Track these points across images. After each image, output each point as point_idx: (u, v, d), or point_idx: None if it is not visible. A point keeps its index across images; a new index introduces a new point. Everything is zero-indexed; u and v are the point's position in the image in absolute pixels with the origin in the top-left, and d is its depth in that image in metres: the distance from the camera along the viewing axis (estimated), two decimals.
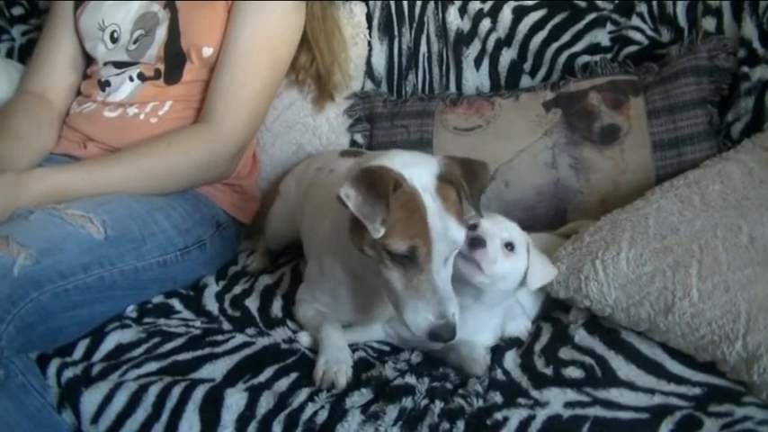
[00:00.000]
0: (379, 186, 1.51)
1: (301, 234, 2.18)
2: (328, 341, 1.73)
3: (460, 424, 1.48)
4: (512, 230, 1.71)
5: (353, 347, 1.76)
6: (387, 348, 1.81)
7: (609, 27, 2.43)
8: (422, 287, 1.54)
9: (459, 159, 1.62)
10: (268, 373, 1.69)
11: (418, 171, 1.56)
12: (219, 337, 1.83)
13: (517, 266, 1.69)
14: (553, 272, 1.74)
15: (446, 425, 1.48)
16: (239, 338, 1.83)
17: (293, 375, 1.67)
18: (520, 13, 2.48)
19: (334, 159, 2.26)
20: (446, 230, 1.53)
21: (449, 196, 1.56)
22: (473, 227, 1.66)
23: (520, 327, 1.81)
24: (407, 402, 1.54)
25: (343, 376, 1.62)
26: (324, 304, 1.87)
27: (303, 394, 1.60)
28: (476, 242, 1.64)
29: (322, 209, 1.95)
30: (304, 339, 1.82)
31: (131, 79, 2.27)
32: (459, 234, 1.55)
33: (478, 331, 1.75)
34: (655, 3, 2.37)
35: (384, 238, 1.52)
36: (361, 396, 1.58)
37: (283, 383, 1.65)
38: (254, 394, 1.60)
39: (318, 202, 2.03)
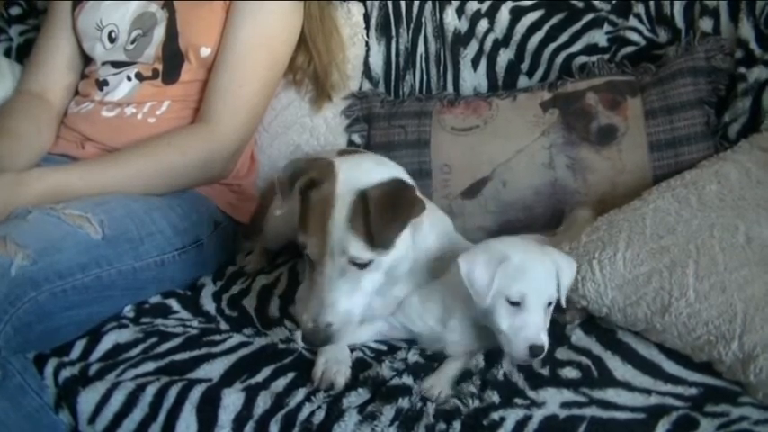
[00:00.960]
0: (296, 177, 1.59)
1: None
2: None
3: (457, 424, 1.48)
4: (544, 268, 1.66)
5: (351, 347, 1.76)
6: (384, 348, 1.80)
7: (606, 28, 2.42)
8: (311, 285, 1.59)
9: (395, 189, 1.61)
10: (265, 372, 1.68)
11: (353, 178, 1.59)
12: (217, 337, 1.83)
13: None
14: (572, 263, 1.73)
15: (442, 425, 1.48)
16: (236, 338, 1.83)
17: (290, 375, 1.67)
18: (517, 13, 2.48)
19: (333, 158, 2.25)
20: (343, 242, 1.55)
21: (361, 213, 1.56)
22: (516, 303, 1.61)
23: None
24: (404, 403, 1.54)
25: (342, 377, 1.62)
26: None
27: (300, 394, 1.60)
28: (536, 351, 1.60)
29: None
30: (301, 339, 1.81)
31: (129, 79, 2.28)
32: (357, 248, 1.56)
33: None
34: (652, 3, 2.37)
35: (298, 229, 1.61)
36: (359, 396, 1.58)
37: (280, 383, 1.64)
38: (252, 394, 1.60)
39: None
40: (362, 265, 1.57)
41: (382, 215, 1.55)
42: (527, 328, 1.57)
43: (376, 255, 1.57)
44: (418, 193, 1.65)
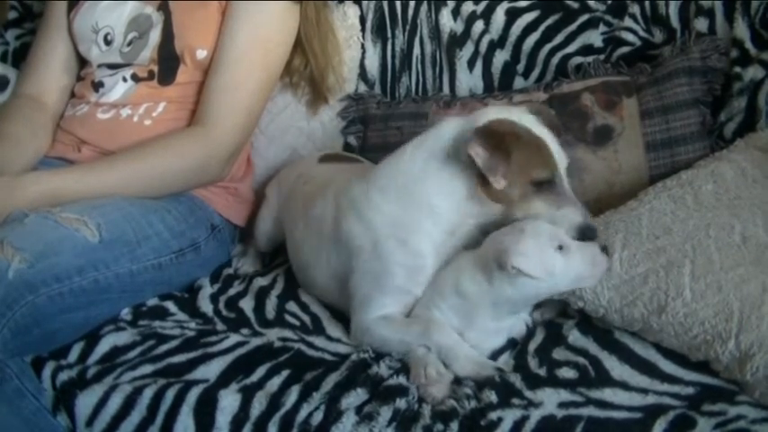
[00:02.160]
0: (503, 140, 1.67)
1: (287, 243, 2.21)
2: (448, 338, 1.71)
3: (454, 425, 1.48)
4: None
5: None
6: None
7: (602, 28, 2.43)
8: (562, 200, 1.74)
9: (539, 106, 1.94)
10: (260, 372, 1.69)
11: (519, 114, 1.78)
12: (214, 338, 1.83)
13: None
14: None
15: (440, 426, 1.48)
16: (233, 338, 1.83)
17: (284, 374, 1.67)
18: (513, 14, 2.48)
19: (313, 166, 2.28)
20: (561, 152, 1.77)
21: (551, 119, 1.85)
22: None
23: (520, 325, 1.80)
24: (401, 403, 1.54)
25: (441, 392, 1.59)
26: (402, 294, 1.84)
27: (294, 393, 1.60)
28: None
29: (318, 233, 1.99)
30: (425, 357, 1.69)
31: (125, 80, 2.28)
32: (564, 156, 1.78)
33: (489, 335, 1.76)
34: (647, 4, 2.37)
35: (530, 169, 1.70)
36: (357, 397, 1.57)
37: (275, 382, 1.65)
38: (248, 395, 1.60)
39: (309, 211, 2.05)
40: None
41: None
42: (581, 245, 1.68)
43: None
44: None
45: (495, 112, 1.78)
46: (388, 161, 1.89)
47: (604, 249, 1.67)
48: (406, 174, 1.81)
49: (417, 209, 1.78)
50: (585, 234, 1.69)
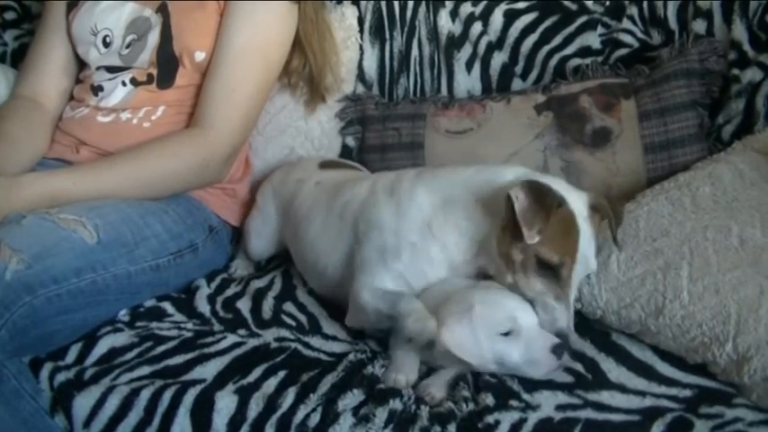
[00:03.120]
0: (546, 199, 1.62)
1: (292, 246, 2.22)
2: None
3: (451, 428, 1.48)
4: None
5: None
6: (379, 348, 1.80)
7: (600, 30, 2.43)
8: (560, 298, 1.64)
9: (606, 198, 1.76)
10: (257, 373, 1.69)
11: (576, 197, 1.69)
12: (211, 339, 1.83)
13: None
14: None
15: (437, 428, 1.48)
16: (230, 339, 1.83)
17: (281, 374, 1.67)
18: (511, 16, 2.49)
19: (315, 171, 2.28)
20: (589, 256, 1.66)
21: (595, 226, 1.70)
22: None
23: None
24: (397, 404, 1.54)
25: (438, 391, 1.60)
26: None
27: (291, 395, 1.60)
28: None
29: (340, 216, 2.00)
30: (397, 379, 1.66)
31: (124, 84, 2.27)
32: (594, 263, 1.68)
33: None
34: (645, 5, 2.38)
35: (539, 245, 1.62)
36: (354, 398, 1.57)
37: (272, 383, 1.65)
38: (244, 396, 1.60)
39: (327, 211, 2.06)
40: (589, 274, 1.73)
41: (618, 217, 1.77)
42: (536, 338, 1.60)
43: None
44: None
45: (560, 188, 1.71)
46: (448, 169, 1.92)
47: (556, 350, 1.59)
48: (451, 189, 1.82)
49: (440, 226, 1.80)
50: (556, 350, 1.59)
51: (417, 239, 1.80)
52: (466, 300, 1.64)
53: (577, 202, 1.68)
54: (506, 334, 1.59)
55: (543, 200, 1.61)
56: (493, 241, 1.71)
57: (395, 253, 1.81)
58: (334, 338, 1.86)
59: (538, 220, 1.59)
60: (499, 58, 2.52)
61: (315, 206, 2.11)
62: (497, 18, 2.49)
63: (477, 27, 2.50)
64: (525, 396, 1.56)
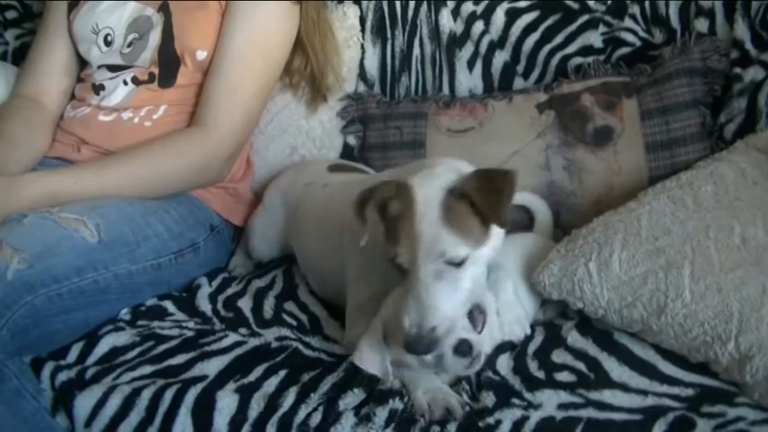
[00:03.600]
0: (365, 203, 1.59)
1: (297, 249, 2.22)
2: (413, 371, 1.65)
3: (452, 427, 1.48)
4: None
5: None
6: None
7: (601, 29, 2.43)
8: (409, 294, 1.54)
9: (480, 171, 1.61)
10: (258, 372, 1.69)
11: (429, 182, 1.58)
12: (212, 338, 1.84)
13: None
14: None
15: (437, 427, 1.48)
16: (232, 338, 1.84)
17: (282, 374, 1.68)
18: (512, 15, 2.49)
19: (324, 174, 2.28)
20: (435, 243, 1.52)
21: (457, 211, 1.55)
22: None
23: (518, 331, 1.79)
24: (396, 404, 1.54)
25: (455, 399, 1.55)
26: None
27: (292, 395, 1.60)
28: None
29: (334, 220, 1.98)
30: (395, 382, 1.65)
31: (125, 83, 2.27)
32: (453, 248, 1.53)
33: None
34: (647, 4, 2.38)
35: (386, 244, 1.57)
36: (354, 397, 1.58)
37: (272, 383, 1.65)
38: (246, 396, 1.60)
39: (324, 217, 2.06)
40: (459, 264, 1.54)
41: (488, 195, 1.55)
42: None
43: (471, 249, 1.55)
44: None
45: (418, 178, 1.61)
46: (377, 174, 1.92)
47: (458, 349, 1.55)
48: None
49: None
50: (406, 342, 1.52)
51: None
52: (378, 315, 1.65)
53: (426, 188, 1.56)
54: None
55: (363, 204, 1.60)
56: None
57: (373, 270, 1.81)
58: (336, 341, 1.86)
59: (361, 224, 1.59)
60: (501, 57, 2.52)
61: (317, 210, 2.12)
62: (499, 17, 2.49)
63: (478, 26, 2.50)
64: (527, 395, 1.56)
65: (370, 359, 1.60)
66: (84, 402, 1.66)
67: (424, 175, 1.61)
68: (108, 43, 2.30)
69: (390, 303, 1.65)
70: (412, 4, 2.57)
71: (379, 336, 1.60)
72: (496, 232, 1.62)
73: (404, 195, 1.56)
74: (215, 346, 1.79)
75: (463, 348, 1.55)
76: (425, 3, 2.55)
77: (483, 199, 1.54)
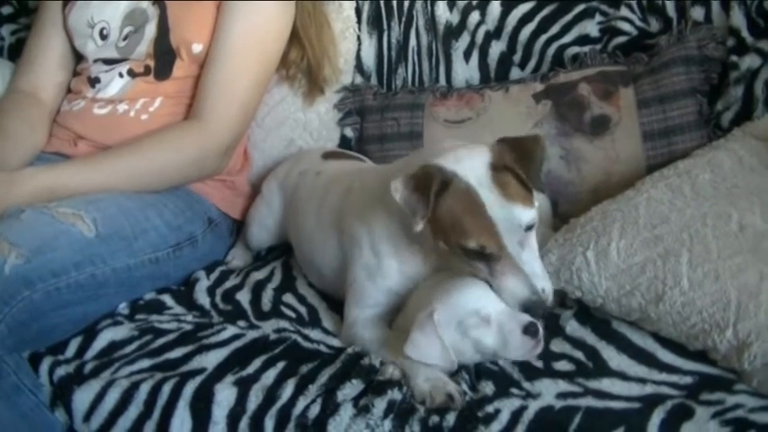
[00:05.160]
0: (425, 185, 1.56)
1: (293, 238, 2.22)
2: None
3: (450, 417, 1.48)
4: None
5: None
6: None
7: (598, 18, 2.42)
8: (506, 271, 1.57)
9: (511, 141, 1.63)
10: (256, 364, 1.69)
11: (471, 165, 1.59)
12: (210, 331, 1.83)
13: None
14: None
15: (436, 418, 1.48)
16: (230, 330, 1.84)
17: (280, 366, 1.67)
18: (509, 5, 2.48)
19: (318, 162, 2.28)
20: (511, 218, 1.55)
21: (507, 182, 1.58)
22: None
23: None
24: (395, 394, 1.54)
25: (453, 387, 1.56)
26: (380, 305, 1.84)
27: (290, 386, 1.60)
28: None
29: (330, 210, 1.99)
30: (393, 372, 1.65)
31: (121, 75, 2.27)
32: (526, 215, 1.56)
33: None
34: None
35: (453, 237, 1.57)
36: (353, 388, 1.57)
37: (270, 375, 1.65)
38: (244, 388, 1.60)
39: (319, 205, 2.06)
40: (530, 227, 1.59)
41: (526, 164, 1.60)
42: (505, 322, 1.58)
43: (535, 206, 1.59)
44: None
45: (452, 161, 1.62)
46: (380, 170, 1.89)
47: (528, 330, 1.57)
48: (381, 191, 1.73)
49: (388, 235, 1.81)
50: (528, 308, 1.56)
51: (389, 250, 1.81)
52: (427, 304, 1.64)
53: (474, 171, 1.58)
54: (476, 324, 1.58)
55: (424, 184, 1.57)
56: (428, 238, 1.68)
57: (378, 270, 1.82)
58: (334, 334, 1.86)
59: (420, 208, 1.56)
60: (497, 47, 2.51)
61: (311, 199, 2.11)
62: (495, 7, 2.49)
63: (474, 16, 2.50)
64: (526, 384, 1.56)
65: (427, 350, 1.60)
66: (82, 397, 1.65)
67: (458, 157, 1.61)
68: (103, 37, 2.30)
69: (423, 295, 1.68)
70: None
71: (434, 326, 1.59)
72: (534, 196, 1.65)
73: (458, 181, 1.57)
74: (213, 339, 1.79)
75: (533, 329, 1.56)
76: None
77: (524, 167, 1.59)
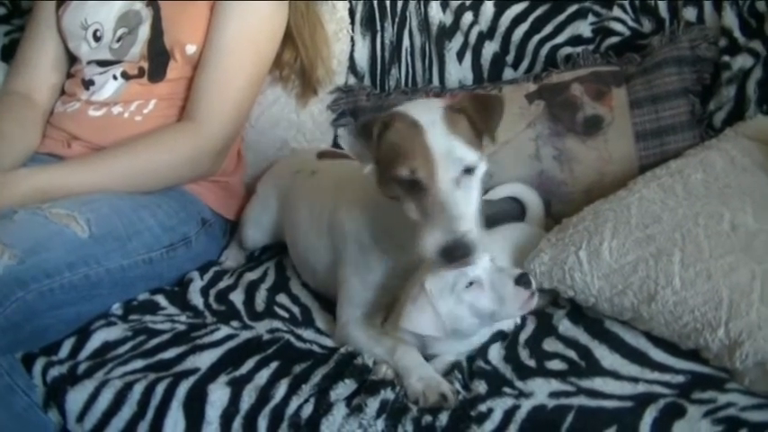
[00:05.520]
0: (368, 128, 1.60)
1: (288, 238, 2.21)
2: (410, 360, 1.65)
3: (443, 416, 1.48)
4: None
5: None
6: None
7: (590, 18, 2.43)
8: (431, 208, 1.54)
9: (473, 93, 1.69)
10: (249, 364, 1.69)
11: (426, 106, 1.65)
12: (204, 331, 1.83)
13: None
14: None
15: (429, 417, 1.48)
16: (224, 330, 1.84)
17: (273, 366, 1.68)
18: (502, 5, 2.49)
19: (313, 161, 2.28)
20: (451, 150, 1.54)
21: (457, 122, 1.59)
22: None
23: (509, 320, 1.79)
24: (388, 394, 1.54)
25: (447, 386, 1.55)
26: (370, 303, 1.84)
27: (283, 386, 1.60)
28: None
29: (323, 207, 1.99)
30: (386, 372, 1.65)
31: (115, 78, 2.27)
32: (467, 154, 1.56)
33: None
34: None
35: (390, 168, 1.57)
36: (346, 387, 1.58)
37: (264, 375, 1.65)
38: (237, 388, 1.60)
39: (313, 204, 2.06)
40: (471, 171, 1.57)
41: (484, 112, 1.63)
42: (497, 279, 1.60)
43: (479, 157, 1.59)
44: None
45: (409, 103, 1.70)
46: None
47: (520, 281, 1.59)
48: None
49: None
50: (447, 252, 1.52)
51: (373, 243, 1.83)
52: (416, 279, 1.64)
53: (426, 111, 1.61)
54: (468, 287, 1.59)
55: (369, 126, 1.61)
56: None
57: (365, 265, 1.83)
58: (328, 336, 1.86)
59: (367, 148, 1.60)
60: (490, 48, 2.51)
61: (305, 198, 2.12)
62: (488, 8, 2.49)
63: (467, 17, 2.50)
64: (518, 384, 1.56)
65: (421, 320, 1.61)
66: (75, 397, 1.65)
67: (417, 103, 1.68)
68: (97, 38, 2.30)
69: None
70: None
71: (426, 296, 1.59)
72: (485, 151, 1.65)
73: (404, 118, 1.60)
74: (207, 340, 1.79)
75: (525, 280, 1.58)
76: None
77: (479, 114, 1.62)
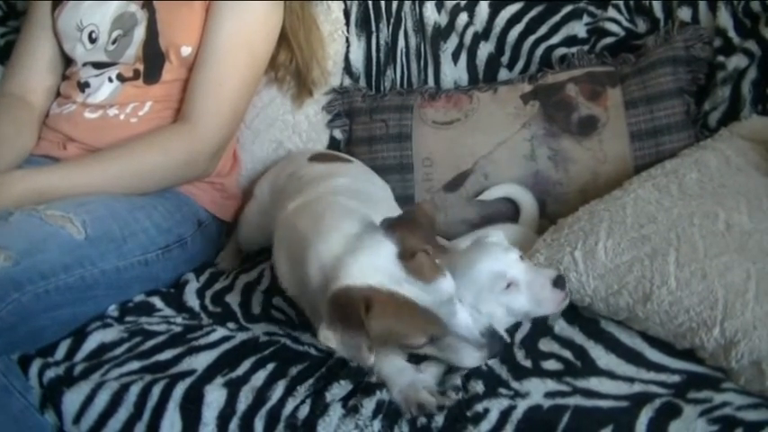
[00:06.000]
0: (351, 320, 1.45)
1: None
2: (390, 367, 1.62)
3: (439, 417, 1.49)
4: None
5: None
6: None
7: (585, 19, 2.43)
8: (454, 345, 1.53)
9: (403, 222, 1.57)
10: (245, 366, 1.69)
11: (381, 267, 1.50)
12: (200, 333, 1.84)
13: None
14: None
15: (424, 418, 1.49)
16: (220, 332, 1.84)
17: (270, 367, 1.68)
18: (497, 6, 2.48)
19: (304, 164, 2.26)
20: (440, 295, 1.49)
21: (420, 264, 1.51)
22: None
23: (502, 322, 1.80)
24: (384, 395, 1.55)
25: (425, 394, 1.54)
26: None
27: (280, 388, 1.60)
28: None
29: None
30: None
31: (111, 80, 2.27)
32: (447, 284, 1.51)
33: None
34: None
35: (403, 340, 1.52)
36: (341, 388, 1.58)
37: (260, 376, 1.65)
38: (234, 390, 1.61)
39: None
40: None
41: (426, 234, 1.57)
42: (534, 279, 1.66)
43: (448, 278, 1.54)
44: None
45: (353, 270, 1.51)
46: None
47: (557, 283, 1.65)
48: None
49: None
50: (491, 351, 1.54)
51: None
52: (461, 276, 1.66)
53: (386, 273, 1.49)
54: (506, 289, 1.64)
55: (350, 319, 1.45)
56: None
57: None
58: None
59: (361, 343, 1.45)
60: (485, 49, 2.51)
61: (291, 201, 2.08)
62: (483, 8, 2.49)
63: (462, 18, 2.50)
64: (514, 384, 1.57)
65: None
66: (72, 399, 1.66)
67: (362, 268, 1.51)
68: (92, 40, 2.29)
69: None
70: None
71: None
72: None
73: (375, 299, 1.47)
74: (203, 341, 1.79)
75: (561, 282, 1.65)
76: None
77: (425, 242, 1.54)
